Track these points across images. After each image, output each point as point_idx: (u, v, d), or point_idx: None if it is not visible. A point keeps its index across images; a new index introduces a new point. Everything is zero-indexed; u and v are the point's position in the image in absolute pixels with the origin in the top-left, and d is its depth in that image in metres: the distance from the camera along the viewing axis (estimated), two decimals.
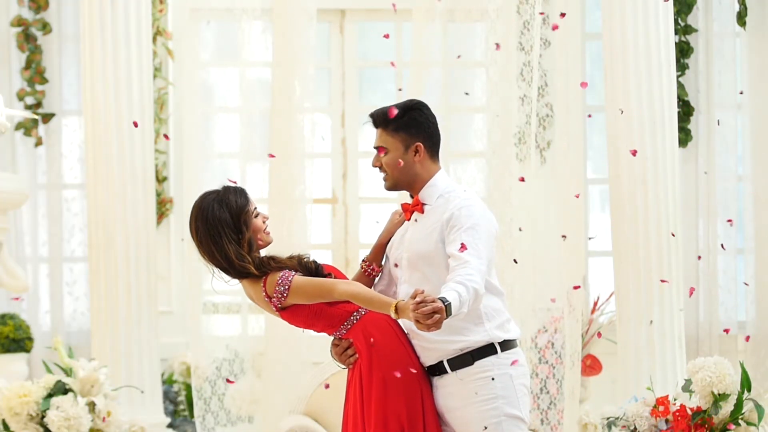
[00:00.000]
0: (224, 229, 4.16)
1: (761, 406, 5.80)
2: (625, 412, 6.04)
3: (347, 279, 4.32)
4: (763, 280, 7.58)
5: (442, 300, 3.77)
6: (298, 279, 4.13)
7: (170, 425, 7.12)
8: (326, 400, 6.04)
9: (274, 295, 4.13)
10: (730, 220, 7.37)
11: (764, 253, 7.62)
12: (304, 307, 4.15)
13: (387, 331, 4.16)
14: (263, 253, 4.28)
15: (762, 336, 7.56)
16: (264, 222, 4.26)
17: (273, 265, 4.17)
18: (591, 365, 7.09)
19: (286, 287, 4.12)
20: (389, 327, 4.17)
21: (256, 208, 4.25)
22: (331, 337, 4.28)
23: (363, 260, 4.42)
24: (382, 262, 4.38)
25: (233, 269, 4.18)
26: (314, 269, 4.20)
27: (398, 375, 4.10)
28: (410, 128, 4.21)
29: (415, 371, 4.14)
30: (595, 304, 7.44)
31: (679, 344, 6.54)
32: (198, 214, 4.19)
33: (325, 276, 4.19)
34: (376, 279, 4.39)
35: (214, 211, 4.17)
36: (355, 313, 4.16)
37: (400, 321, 4.09)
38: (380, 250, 4.37)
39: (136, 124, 6.41)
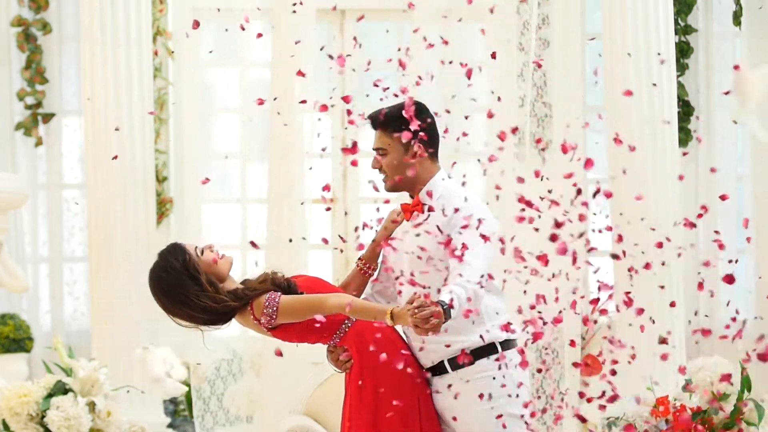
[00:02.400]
0: (185, 289, 4.14)
1: (761, 406, 5.79)
2: (625, 412, 6.03)
3: (330, 285, 4.29)
4: (763, 281, 7.57)
5: (441, 303, 3.76)
6: (285, 299, 4.10)
7: (170, 425, 7.12)
8: (326, 400, 6.03)
9: (263, 318, 4.11)
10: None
11: (764, 253, 7.61)
12: (294, 323, 4.13)
13: (381, 336, 4.14)
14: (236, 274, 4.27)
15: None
16: (212, 250, 4.23)
17: (249, 293, 4.15)
18: (591, 365, 7.07)
19: (274, 309, 4.09)
20: (383, 332, 4.15)
21: (196, 247, 4.22)
22: None
23: (359, 259, 4.41)
24: (379, 261, 4.37)
25: (217, 315, 4.17)
26: (286, 286, 4.18)
27: (400, 366, 4.09)
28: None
29: (410, 372, 4.14)
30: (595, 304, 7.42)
31: (679, 344, 6.53)
32: (156, 291, 4.20)
33: (297, 293, 4.17)
34: (372, 278, 4.38)
35: (166, 280, 4.16)
36: (346, 321, 4.15)
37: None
38: (377, 249, 4.37)
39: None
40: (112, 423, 6.26)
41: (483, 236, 4.00)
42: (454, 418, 4.17)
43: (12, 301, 7.64)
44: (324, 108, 3.97)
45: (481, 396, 4.10)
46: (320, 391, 6.21)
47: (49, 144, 7.79)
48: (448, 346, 4.06)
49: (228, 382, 6.97)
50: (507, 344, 4.18)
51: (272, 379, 6.67)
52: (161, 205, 7.64)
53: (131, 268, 6.73)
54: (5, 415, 6.13)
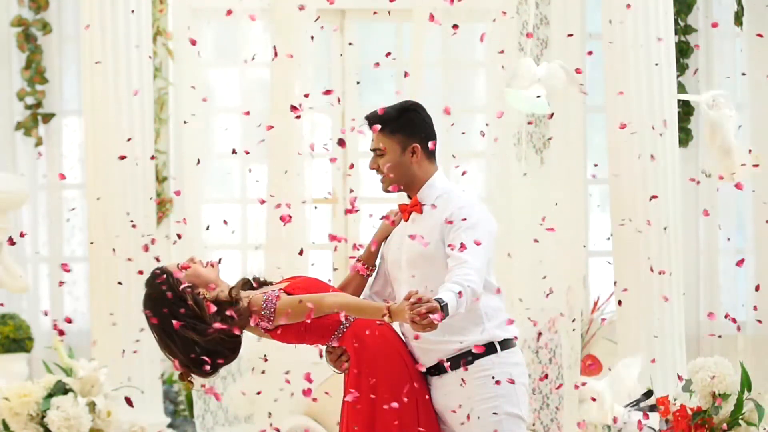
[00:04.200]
0: (180, 311, 4.02)
1: (761, 406, 5.79)
2: None
3: (327, 286, 4.28)
4: (763, 281, 7.58)
5: (438, 300, 3.76)
6: (283, 300, 4.08)
7: (170, 425, 7.12)
8: (326, 400, 6.03)
9: (261, 319, 4.10)
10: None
11: (764, 254, 7.62)
12: (292, 324, 4.12)
13: (378, 336, 4.14)
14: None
15: (762, 336, 7.55)
16: (195, 261, 4.16)
17: (243, 314, 4.07)
18: (591, 365, 7.09)
19: (272, 310, 4.07)
20: (381, 332, 4.14)
21: (178, 264, 4.14)
22: None
23: (357, 260, 4.40)
24: (376, 262, 4.37)
25: (225, 328, 4.07)
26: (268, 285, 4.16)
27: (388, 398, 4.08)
28: (407, 129, 4.21)
29: (416, 384, 4.13)
30: (595, 304, 7.45)
31: (679, 344, 6.54)
32: (155, 323, 4.06)
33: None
34: (370, 280, 4.38)
35: (159, 308, 4.03)
36: (344, 321, 4.14)
37: (395, 325, 4.07)
38: (374, 249, 4.36)
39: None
40: (112, 423, 6.26)
41: (481, 235, 4.01)
42: (453, 418, 4.17)
43: (12, 301, 7.64)
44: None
45: (480, 396, 4.10)
46: (320, 392, 6.20)
47: (49, 144, 7.80)
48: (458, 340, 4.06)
49: (228, 382, 6.98)
50: (506, 343, 4.17)
51: (272, 379, 6.67)
52: (161, 205, 7.65)
53: (131, 268, 6.72)
54: (5, 415, 6.13)
